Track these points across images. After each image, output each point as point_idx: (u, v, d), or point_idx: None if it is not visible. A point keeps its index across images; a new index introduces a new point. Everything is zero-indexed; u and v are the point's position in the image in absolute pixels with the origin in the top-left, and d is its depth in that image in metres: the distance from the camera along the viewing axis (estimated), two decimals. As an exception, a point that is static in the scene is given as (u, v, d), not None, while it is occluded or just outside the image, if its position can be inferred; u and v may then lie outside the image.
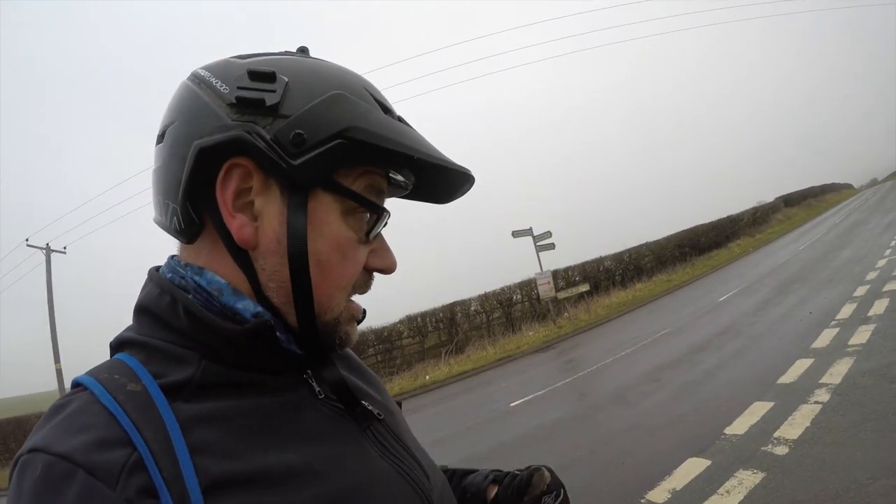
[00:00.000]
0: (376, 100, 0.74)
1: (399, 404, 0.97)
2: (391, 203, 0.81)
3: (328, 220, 0.70)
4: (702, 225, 28.77)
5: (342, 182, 0.70)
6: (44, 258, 25.22)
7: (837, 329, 8.06)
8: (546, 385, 10.51)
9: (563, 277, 22.51)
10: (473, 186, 0.84)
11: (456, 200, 0.87)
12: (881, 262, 12.62)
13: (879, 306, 8.63)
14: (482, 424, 8.77)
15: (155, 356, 0.66)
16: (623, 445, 5.93)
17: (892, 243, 15.50)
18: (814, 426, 4.92)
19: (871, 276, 11.34)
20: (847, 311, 8.97)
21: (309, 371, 0.76)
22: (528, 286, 21.59)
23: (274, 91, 0.67)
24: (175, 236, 0.72)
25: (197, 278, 0.70)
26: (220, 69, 0.70)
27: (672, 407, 6.86)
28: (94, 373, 0.64)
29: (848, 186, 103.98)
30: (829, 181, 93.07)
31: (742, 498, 4.03)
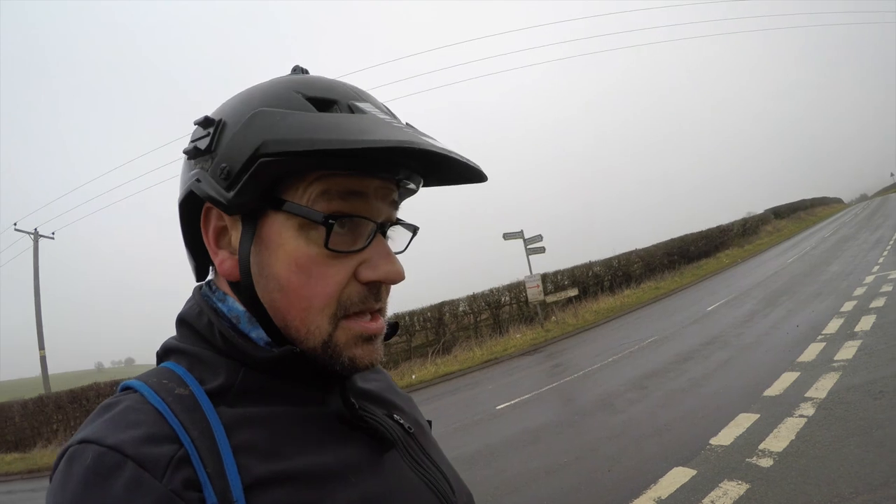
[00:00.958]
0: (311, 98, 0.71)
1: (429, 423, 0.97)
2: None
3: (282, 241, 0.69)
4: (691, 234, 28.96)
5: (289, 197, 0.69)
6: (31, 243, 25.38)
7: (824, 343, 8.13)
8: (533, 389, 10.54)
9: (552, 281, 22.58)
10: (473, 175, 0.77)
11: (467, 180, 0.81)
12: (868, 279, 12.76)
13: (866, 322, 8.72)
14: (468, 426, 8.77)
15: (198, 364, 0.70)
16: (609, 452, 5.95)
17: (880, 260, 15.67)
18: (798, 439, 4.97)
19: (859, 291, 11.46)
20: (834, 325, 9.06)
21: (345, 383, 0.77)
22: (516, 288, 21.62)
23: (208, 134, 0.71)
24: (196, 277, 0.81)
25: (220, 304, 0.75)
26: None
27: (658, 415, 6.88)
28: (144, 377, 0.68)
29: (838, 201, 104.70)
30: (819, 195, 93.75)
31: (726, 509, 4.03)
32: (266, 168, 0.65)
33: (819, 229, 38.22)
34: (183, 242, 0.80)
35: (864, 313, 9.38)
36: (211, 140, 0.71)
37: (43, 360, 24.01)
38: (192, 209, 0.75)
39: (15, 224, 25.76)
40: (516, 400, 9.94)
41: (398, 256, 0.77)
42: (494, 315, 21.60)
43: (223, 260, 0.73)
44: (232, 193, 0.67)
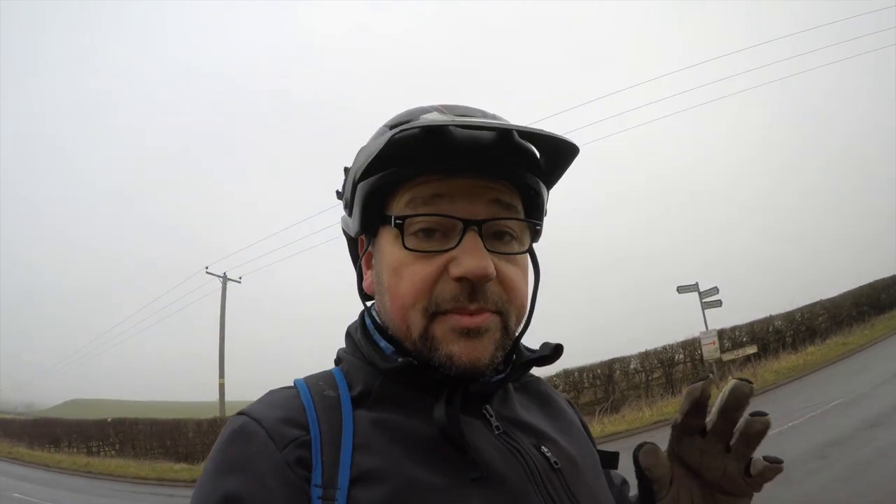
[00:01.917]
0: (389, 125, 0.82)
1: (615, 455, 0.96)
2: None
3: (386, 250, 0.79)
4: (882, 279, 26.24)
5: (389, 212, 0.78)
6: (220, 285, 28.13)
7: None
8: None
9: (728, 337, 21.21)
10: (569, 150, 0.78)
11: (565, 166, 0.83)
12: None
13: None
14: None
15: (352, 371, 0.82)
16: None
17: None
18: None
19: None
20: None
21: (488, 406, 0.82)
22: (691, 345, 20.56)
23: (344, 181, 0.89)
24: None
25: (367, 319, 0.87)
26: None
27: (840, 490, 6.45)
28: (308, 378, 0.82)
29: None
30: None
31: None
32: (360, 191, 0.79)
33: None
34: (353, 268, 0.95)
35: None
36: (344, 184, 0.89)
37: (221, 387, 26.07)
38: (352, 242, 0.93)
39: (207, 267, 28.35)
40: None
41: (521, 255, 0.81)
42: (667, 374, 20.80)
43: (368, 278, 0.87)
44: (351, 220, 0.85)
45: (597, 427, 16.85)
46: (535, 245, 0.85)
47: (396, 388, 0.78)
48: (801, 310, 23.58)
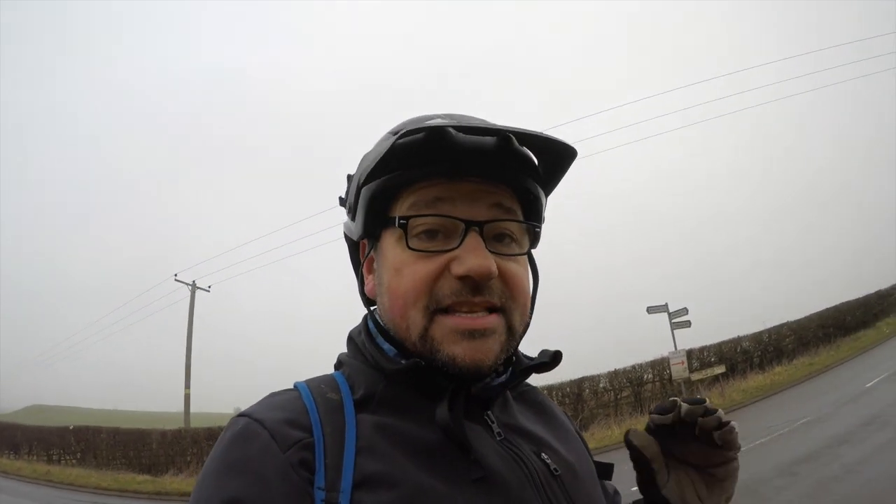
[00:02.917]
0: (394, 131, 0.81)
1: (610, 466, 0.98)
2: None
3: (388, 252, 0.80)
4: (848, 302, 26.89)
5: (392, 214, 0.79)
6: (188, 293, 27.69)
7: None
8: None
9: (697, 357, 21.52)
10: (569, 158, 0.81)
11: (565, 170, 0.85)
12: None
13: None
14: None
15: (354, 375, 0.82)
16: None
17: None
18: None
19: None
20: None
21: (489, 413, 0.82)
22: (660, 365, 20.80)
23: (348, 185, 0.90)
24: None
25: (370, 323, 0.87)
26: None
27: None
28: (309, 381, 0.82)
29: None
30: None
31: None
32: (364, 195, 0.80)
33: None
34: (355, 276, 0.95)
35: None
36: (347, 190, 0.90)
37: (187, 398, 25.82)
38: (353, 247, 0.93)
39: (175, 275, 27.92)
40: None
41: (521, 257, 0.82)
42: (636, 393, 20.93)
43: (369, 281, 0.87)
44: (354, 224, 0.86)
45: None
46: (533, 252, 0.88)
47: (399, 392, 0.78)
48: (769, 331, 24.19)
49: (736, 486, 0.92)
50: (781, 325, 24.60)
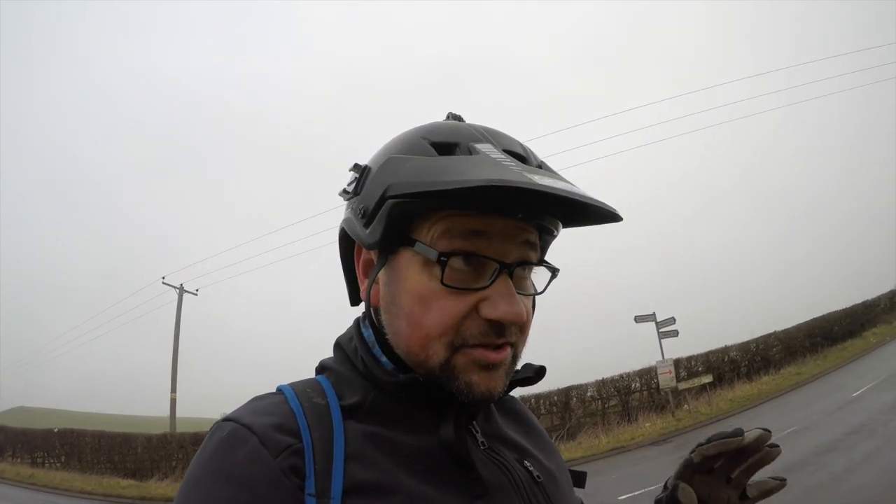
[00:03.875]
0: (434, 143, 0.76)
1: (583, 474, 0.98)
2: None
3: (409, 275, 0.74)
4: (835, 312, 26.96)
5: (417, 236, 0.74)
6: (176, 296, 27.62)
7: None
8: (659, 480, 9.69)
9: (685, 367, 21.50)
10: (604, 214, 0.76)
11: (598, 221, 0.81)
12: None
13: None
14: (591, 517, 8.67)
15: (342, 382, 0.80)
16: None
17: None
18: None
19: None
20: None
21: (474, 423, 0.82)
22: (647, 374, 20.78)
23: (356, 178, 0.81)
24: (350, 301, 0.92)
25: (364, 331, 0.83)
26: None
27: None
28: (294, 384, 0.79)
29: None
30: None
31: None
32: (392, 208, 0.72)
33: None
34: (342, 270, 0.91)
35: None
36: (357, 183, 0.80)
37: (173, 402, 25.67)
38: (348, 243, 0.87)
39: (163, 278, 27.78)
40: (640, 491, 9.52)
41: (537, 298, 0.82)
42: (623, 402, 20.89)
43: (367, 287, 0.81)
44: (368, 231, 0.76)
45: (552, 455, 16.73)
46: None
47: (390, 403, 0.77)
48: (756, 340, 24.23)
49: None
50: (769, 335, 24.66)
